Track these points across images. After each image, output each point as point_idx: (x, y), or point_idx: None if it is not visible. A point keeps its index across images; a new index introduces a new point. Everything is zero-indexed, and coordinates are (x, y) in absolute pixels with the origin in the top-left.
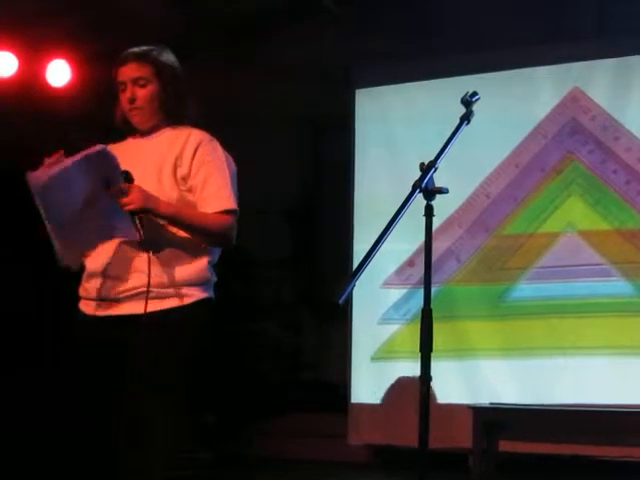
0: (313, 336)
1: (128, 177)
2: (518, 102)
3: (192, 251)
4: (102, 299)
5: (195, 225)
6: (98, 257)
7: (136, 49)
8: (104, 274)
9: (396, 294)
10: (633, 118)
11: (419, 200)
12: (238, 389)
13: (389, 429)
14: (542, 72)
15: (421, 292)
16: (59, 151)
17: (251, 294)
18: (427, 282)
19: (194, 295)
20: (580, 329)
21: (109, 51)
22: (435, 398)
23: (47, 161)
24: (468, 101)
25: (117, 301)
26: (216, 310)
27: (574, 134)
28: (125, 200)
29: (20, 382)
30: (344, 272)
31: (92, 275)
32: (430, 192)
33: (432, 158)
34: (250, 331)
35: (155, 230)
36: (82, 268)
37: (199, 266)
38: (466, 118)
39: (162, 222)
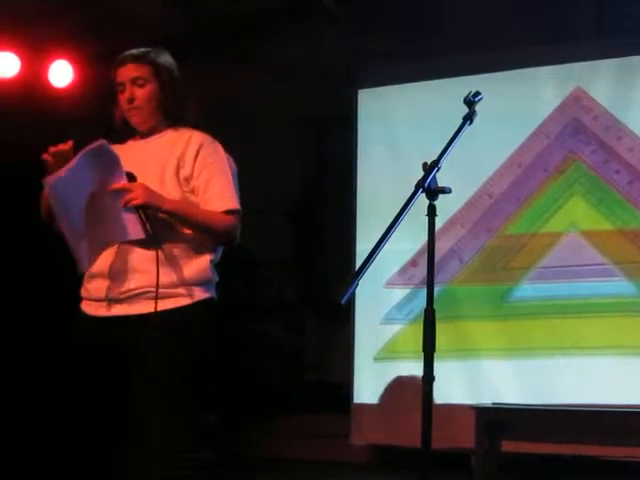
0: (315, 336)
1: (131, 177)
2: (520, 102)
3: (195, 250)
4: (104, 300)
5: (200, 222)
6: (100, 258)
7: (134, 50)
8: (106, 275)
9: (399, 294)
10: (635, 118)
11: (422, 200)
12: (240, 389)
13: (391, 429)
14: (544, 72)
15: (424, 292)
16: (67, 142)
17: (253, 294)
18: (430, 282)
19: (196, 295)
20: (582, 329)
21: (111, 51)
22: (435, 398)
23: (51, 150)
24: (471, 101)
25: (119, 301)
26: (218, 310)
27: (576, 134)
28: (129, 196)
29: (21, 382)
30: (346, 272)
31: (94, 276)
32: (433, 192)
33: (435, 158)
34: (252, 331)
35: (159, 228)
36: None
37: (202, 265)
38: (469, 118)
39: (166, 221)
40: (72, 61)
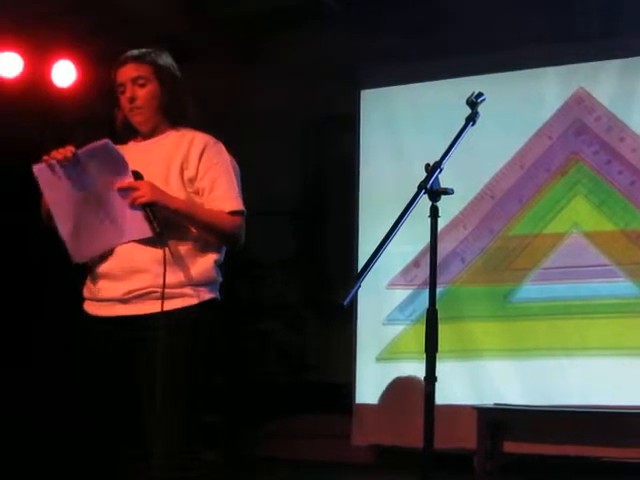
0: (317, 337)
1: (138, 175)
2: (523, 103)
3: (200, 250)
4: (109, 300)
5: (207, 222)
6: (104, 258)
7: (134, 51)
8: (111, 275)
9: (401, 295)
10: (638, 119)
11: (425, 201)
12: (242, 390)
13: (394, 430)
14: (547, 73)
15: (426, 293)
16: (67, 146)
17: (255, 295)
18: (432, 283)
19: (200, 295)
20: (585, 330)
21: (114, 51)
22: (437, 399)
23: (53, 154)
24: (473, 102)
25: (125, 302)
26: (221, 311)
27: (579, 135)
28: (136, 194)
29: (23, 382)
30: (349, 273)
31: (97, 276)
32: (435, 193)
33: (437, 159)
34: (255, 332)
35: (165, 227)
36: (87, 269)
37: (206, 266)
38: (471, 119)
39: (172, 220)
40: (75, 61)
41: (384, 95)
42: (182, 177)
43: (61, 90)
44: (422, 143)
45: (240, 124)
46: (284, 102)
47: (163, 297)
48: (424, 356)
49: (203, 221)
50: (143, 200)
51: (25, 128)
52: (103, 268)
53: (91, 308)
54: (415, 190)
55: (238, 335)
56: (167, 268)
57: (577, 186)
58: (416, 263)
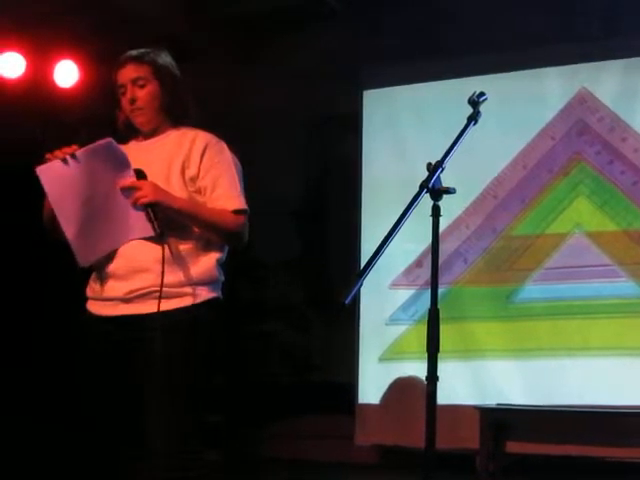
0: (320, 337)
1: (141, 174)
2: (526, 103)
3: (203, 249)
4: (112, 299)
5: (210, 221)
6: (107, 257)
7: (133, 51)
8: (114, 274)
9: (404, 295)
10: None
11: (427, 200)
12: (245, 390)
13: (396, 430)
14: (550, 73)
15: (429, 293)
16: (72, 146)
17: (258, 295)
18: (434, 282)
19: (202, 295)
20: (587, 330)
21: (116, 51)
22: (439, 399)
23: (56, 153)
24: (475, 101)
25: (127, 301)
26: (223, 311)
27: (581, 135)
28: (138, 194)
29: (23, 382)
30: (352, 273)
31: (101, 275)
32: (437, 192)
33: (439, 158)
34: (257, 332)
35: (168, 226)
36: (90, 268)
37: (208, 265)
38: (473, 118)
39: (175, 219)
40: (77, 61)
41: (386, 95)
42: (183, 176)
43: (63, 90)
44: (424, 143)
45: (243, 124)
46: (286, 102)
47: (160, 297)
48: (426, 356)
49: (206, 220)
50: (145, 200)
51: (27, 128)
52: (106, 267)
53: (94, 307)
54: (417, 189)
55: (241, 335)
56: (169, 267)
57: (579, 186)
58: (419, 263)
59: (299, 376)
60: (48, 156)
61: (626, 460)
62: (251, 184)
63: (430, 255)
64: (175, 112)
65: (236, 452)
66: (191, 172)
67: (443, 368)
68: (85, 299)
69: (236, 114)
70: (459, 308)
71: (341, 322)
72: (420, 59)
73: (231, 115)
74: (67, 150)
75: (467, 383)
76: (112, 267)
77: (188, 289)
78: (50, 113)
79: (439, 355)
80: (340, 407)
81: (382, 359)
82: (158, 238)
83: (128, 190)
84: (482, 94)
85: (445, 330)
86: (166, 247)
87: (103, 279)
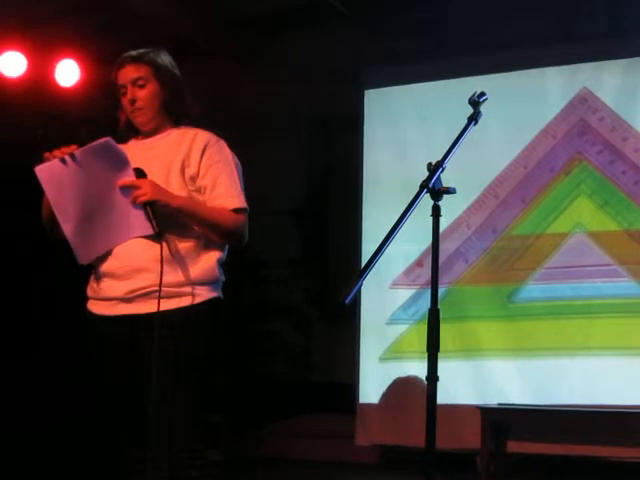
0: (321, 336)
1: (140, 173)
2: (527, 103)
3: (203, 248)
4: (112, 299)
5: (210, 220)
6: (107, 257)
7: (133, 52)
8: (114, 274)
9: (405, 294)
10: None
11: (428, 200)
12: (247, 389)
13: (397, 429)
14: (551, 73)
15: (429, 293)
16: (71, 146)
17: (260, 295)
18: (434, 282)
19: (203, 294)
20: (588, 330)
21: (117, 51)
22: (440, 398)
23: (55, 153)
24: (475, 101)
25: (127, 301)
26: (225, 311)
27: (583, 135)
28: (137, 192)
29: (27, 382)
30: (353, 273)
31: (101, 275)
32: (437, 192)
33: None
34: (259, 332)
35: (167, 225)
36: (90, 268)
37: (209, 264)
38: (473, 118)
39: (175, 218)
40: (79, 60)
41: (387, 95)
42: (183, 175)
43: (65, 89)
44: (425, 142)
45: (244, 124)
46: (288, 102)
47: (160, 296)
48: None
49: (206, 219)
50: (144, 198)
51: (29, 127)
52: (106, 267)
53: (94, 307)
54: (418, 189)
55: (241, 335)
56: (169, 267)
57: (581, 186)
58: (419, 263)
59: (300, 376)
60: (47, 155)
61: (627, 460)
62: (252, 184)
63: (431, 255)
64: (175, 111)
65: (237, 451)
66: (191, 171)
67: (444, 368)
68: (86, 299)
69: (236, 114)
70: (460, 308)
71: (342, 322)
72: (421, 59)
73: (231, 115)
74: (66, 150)
75: (468, 383)
76: (112, 267)
77: (188, 289)
78: (51, 112)
79: (440, 355)
80: (340, 407)
81: (383, 359)
82: (157, 236)
83: (127, 188)
84: (482, 94)
85: (446, 330)
86: (165, 246)
87: (103, 279)
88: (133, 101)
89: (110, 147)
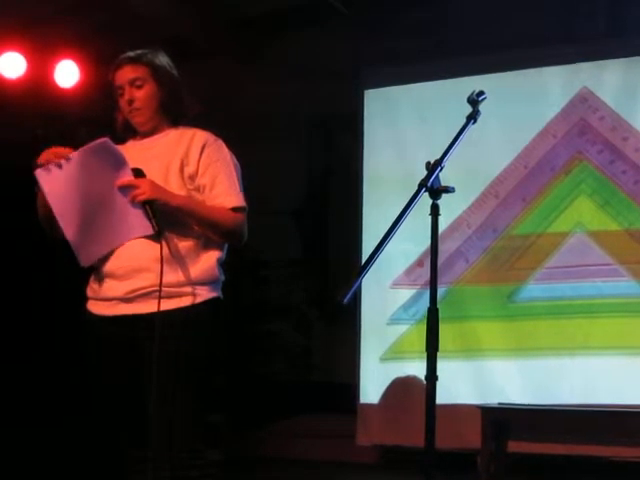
0: (322, 337)
1: (139, 173)
2: (527, 102)
3: (203, 248)
4: (112, 299)
5: (209, 219)
6: (107, 257)
7: (130, 53)
8: (113, 274)
9: (405, 294)
10: None
11: (429, 200)
12: (247, 389)
13: (398, 430)
14: (551, 72)
15: None
16: (66, 148)
17: (260, 295)
18: (433, 282)
19: (202, 294)
20: (589, 329)
21: (117, 52)
22: (441, 398)
23: (53, 150)
24: (474, 100)
25: (127, 301)
26: (225, 311)
27: (583, 134)
28: (136, 191)
29: (27, 382)
30: (353, 272)
31: (101, 275)
32: (436, 191)
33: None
34: (259, 332)
35: (167, 224)
36: (90, 268)
37: (208, 264)
38: (472, 117)
39: (174, 217)
40: (78, 61)
41: (387, 95)
42: (182, 174)
43: (64, 90)
44: (425, 142)
45: (244, 123)
46: (288, 102)
47: (160, 296)
48: None
49: (205, 218)
50: (143, 197)
51: (28, 128)
52: (106, 267)
53: (94, 307)
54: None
55: (241, 335)
56: (169, 267)
57: (581, 185)
58: (420, 263)
59: (300, 376)
60: (40, 162)
61: (628, 459)
62: (251, 184)
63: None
64: (173, 112)
65: (237, 451)
66: (190, 169)
67: (444, 367)
68: (86, 299)
69: (236, 114)
70: (460, 307)
71: (342, 322)
72: (421, 59)
73: (231, 115)
74: (61, 153)
75: (468, 382)
76: (112, 267)
77: (188, 289)
78: (51, 113)
79: (440, 354)
80: (341, 407)
81: (383, 359)
82: (157, 236)
83: (126, 188)
84: (481, 93)
85: (446, 329)
86: (165, 246)
87: (103, 279)
88: (131, 101)
89: (108, 147)
